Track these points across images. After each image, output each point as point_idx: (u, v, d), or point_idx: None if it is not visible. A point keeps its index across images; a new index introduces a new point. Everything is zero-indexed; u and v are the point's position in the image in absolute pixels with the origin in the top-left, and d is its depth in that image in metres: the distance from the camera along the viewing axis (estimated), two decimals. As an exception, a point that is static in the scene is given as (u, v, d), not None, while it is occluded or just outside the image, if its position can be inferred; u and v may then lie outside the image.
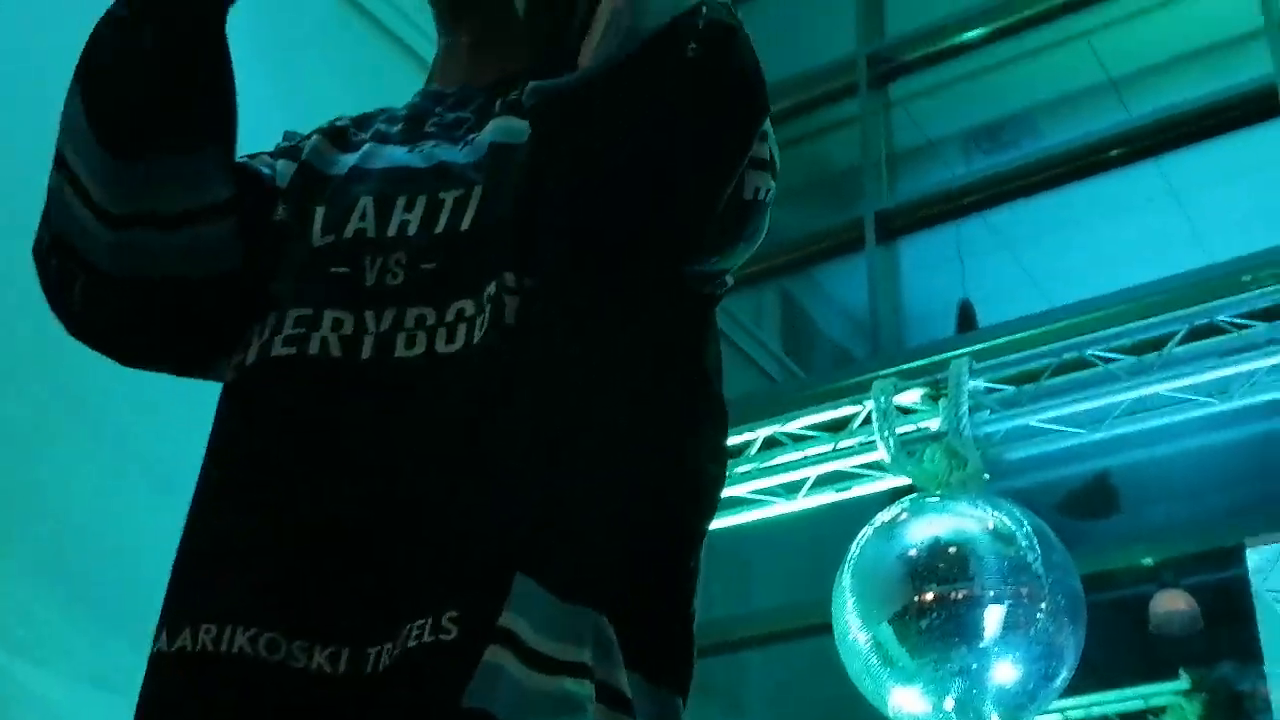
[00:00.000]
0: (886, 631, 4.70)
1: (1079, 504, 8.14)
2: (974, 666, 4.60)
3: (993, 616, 4.58)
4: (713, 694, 7.10)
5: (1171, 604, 7.01)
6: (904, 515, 4.87)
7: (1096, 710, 6.59)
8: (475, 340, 1.07)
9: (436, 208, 1.15)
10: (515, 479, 1.03)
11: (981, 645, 4.58)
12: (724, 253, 1.17)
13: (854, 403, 5.36)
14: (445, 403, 1.06)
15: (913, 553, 4.73)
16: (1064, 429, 5.13)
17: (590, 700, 0.97)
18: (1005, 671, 4.61)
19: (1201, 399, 4.93)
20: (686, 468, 1.17)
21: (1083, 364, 5.09)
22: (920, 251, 6.74)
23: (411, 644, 0.97)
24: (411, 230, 1.14)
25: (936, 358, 5.40)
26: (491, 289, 1.08)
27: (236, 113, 1.22)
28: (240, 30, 1.24)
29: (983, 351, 5.34)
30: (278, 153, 1.32)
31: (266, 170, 1.28)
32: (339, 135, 1.30)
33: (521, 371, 1.06)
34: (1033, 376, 5.15)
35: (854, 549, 4.90)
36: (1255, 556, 4.63)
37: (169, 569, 1.17)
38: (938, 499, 4.95)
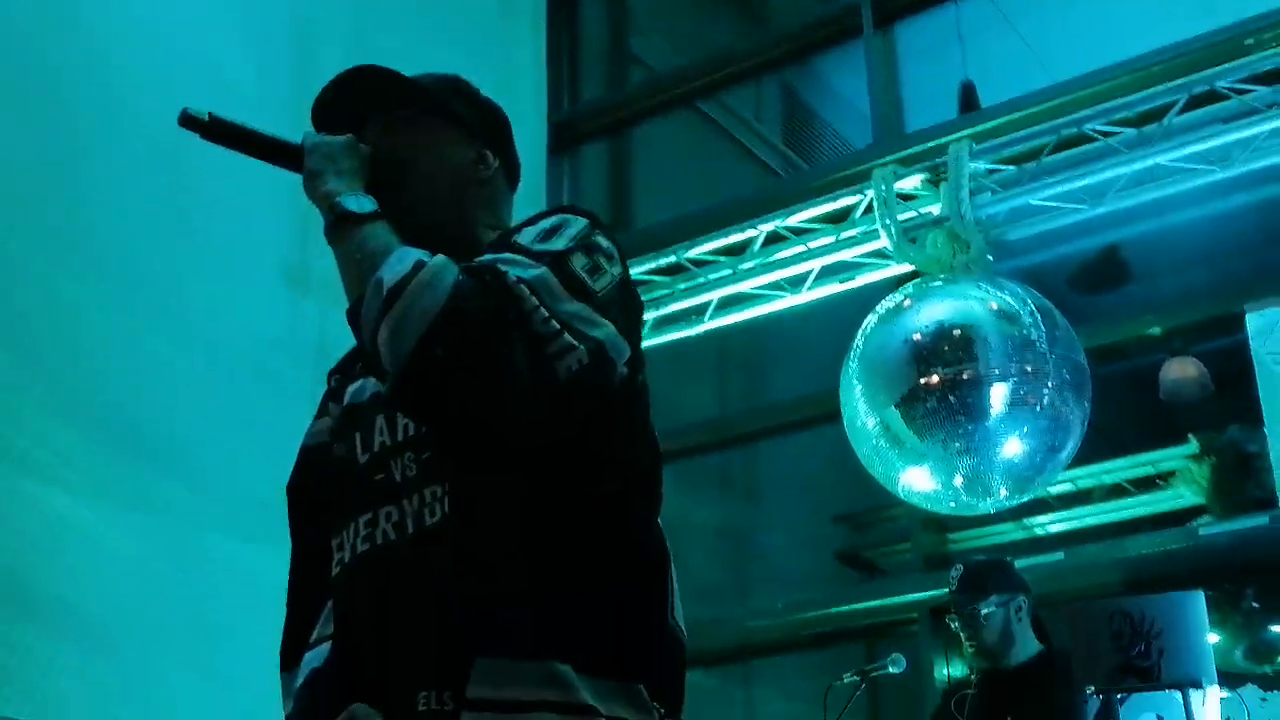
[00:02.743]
0: (894, 415, 4.78)
1: (1090, 278, 8.16)
2: (981, 444, 4.68)
3: (998, 394, 4.64)
4: (732, 484, 7.30)
5: (1181, 371, 7.06)
6: (908, 301, 4.91)
7: (1107, 478, 6.73)
8: (460, 507, 1.54)
9: None
10: (474, 587, 1.51)
11: (988, 423, 4.65)
12: (565, 415, 1.54)
13: (855, 193, 5.35)
14: (459, 548, 1.53)
15: (917, 337, 4.77)
16: (1065, 205, 5.13)
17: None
18: (1012, 447, 4.69)
19: (1202, 168, 4.91)
20: (605, 558, 1.59)
21: (1083, 139, 5.06)
22: (920, 35, 6.61)
23: (421, 708, 1.49)
24: (411, 430, 1.61)
25: (935, 142, 5.37)
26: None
27: None
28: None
29: (982, 133, 5.30)
30: (330, 397, 1.80)
31: (328, 438, 1.77)
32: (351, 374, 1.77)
33: (479, 523, 1.54)
34: (1033, 155, 5.12)
35: (859, 337, 4.96)
36: (1255, 320, 4.67)
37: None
38: (941, 283, 4.98)
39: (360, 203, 1.60)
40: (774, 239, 5.53)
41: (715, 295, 5.63)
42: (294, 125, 1.77)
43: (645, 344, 5.56)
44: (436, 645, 1.50)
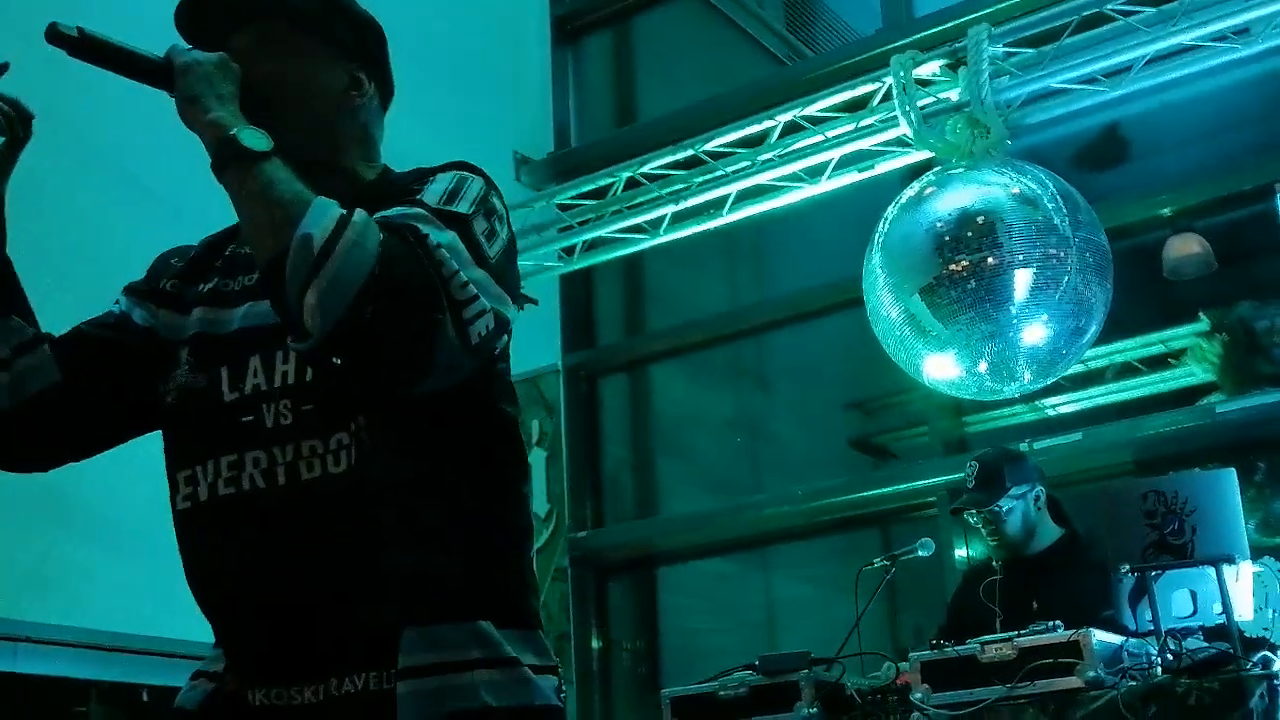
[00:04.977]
0: (918, 303, 4.79)
1: (1092, 156, 8.11)
2: (1005, 329, 4.70)
3: (1022, 280, 4.66)
4: (743, 374, 7.33)
5: (1185, 248, 7.05)
6: (930, 189, 4.89)
7: (1118, 358, 6.76)
8: (354, 462, 1.52)
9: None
10: (389, 562, 1.52)
11: (1012, 308, 4.67)
12: (467, 370, 1.53)
13: (872, 80, 5.29)
14: (339, 512, 1.52)
15: (940, 224, 4.76)
16: (1086, 87, 5.09)
17: (476, 679, 1.51)
18: (1035, 332, 4.72)
19: (1224, 45, 4.87)
20: (503, 519, 1.64)
21: (1102, 19, 5.01)
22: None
23: (342, 691, 1.51)
24: (291, 379, 1.57)
25: (953, 23, 5.32)
26: (353, 425, 1.53)
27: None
28: None
29: (999, 14, 5.25)
30: (158, 297, 1.73)
31: (139, 320, 1.73)
32: (218, 296, 1.67)
33: (380, 484, 1.52)
34: (1052, 36, 5.06)
35: (882, 225, 4.95)
36: (1285, 199, 4.65)
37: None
38: (962, 169, 4.95)
39: (256, 138, 1.50)
40: (791, 129, 5.48)
41: (735, 188, 5.59)
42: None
43: (666, 239, 5.54)
44: (355, 616, 1.51)
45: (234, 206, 1.51)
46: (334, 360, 1.44)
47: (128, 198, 4.50)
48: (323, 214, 1.42)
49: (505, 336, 1.58)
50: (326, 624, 1.52)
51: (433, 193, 1.55)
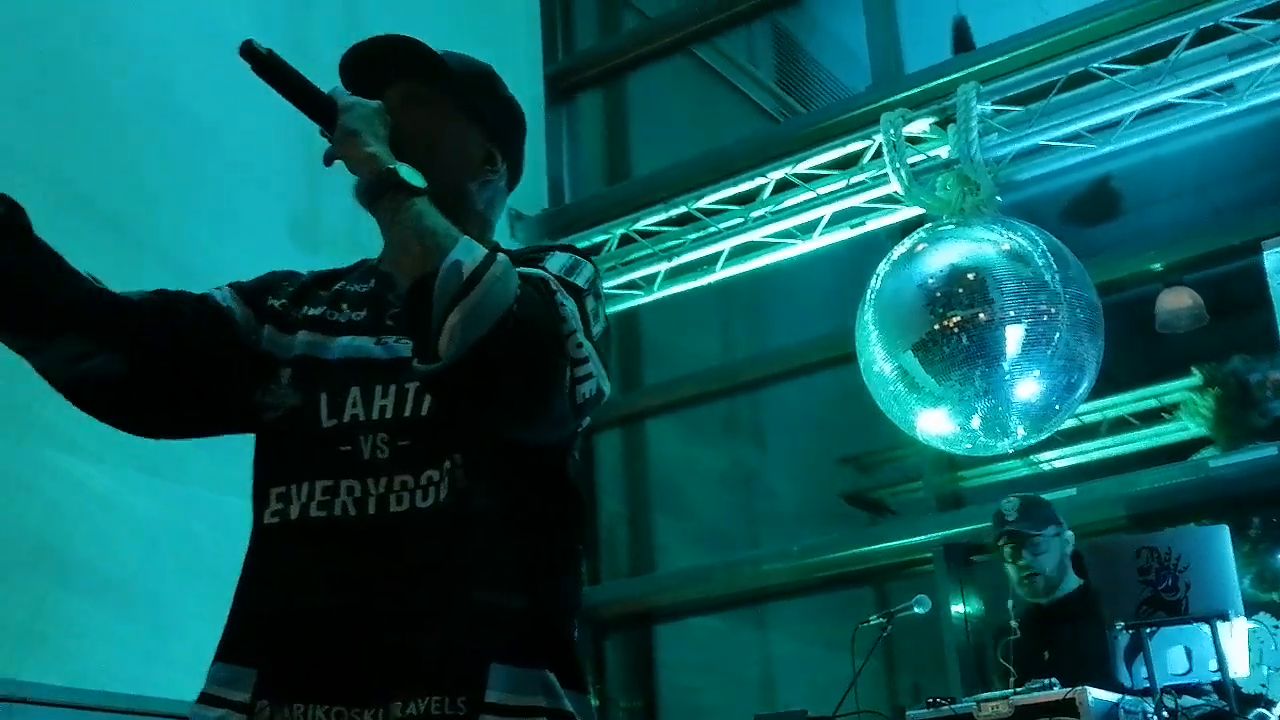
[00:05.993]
0: (910, 360, 4.81)
1: (1083, 210, 8.16)
2: (998, 385, 4.72)
3: (1013, 336, 4.68)
4: (738, 429, 7.34)
5: (1176, 301, 7.07)
6: (921, 245, 4.92)
7: (1111, 413, 6.78)
8: (442, 499, 1.59)
9: (403, 396, 1.65)
10: (473, 594, 1.57)
11: (1004, 364, 4.70)
12: (569, 430, 1.65)
13: (863, 137, 5.34)
14: (425, 545, 1.58)
15: (932, 281, 4.79)
16: (1074, 144, 5.14)
17: None
18: (1028, 387, 4.74)
19: (1209, 103, 4.92)
20: (567, 580, 1.69)
21: (1089, 77, 5.06)
22: (912, -29, 6.57)
23: (405, 714, 1.52)
24: (389, 414, 1.65)
25: (942, 80, 5.36)
26: (448, 463, 1.60)
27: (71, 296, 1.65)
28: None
29: (987, 72, 5.30)
30: (262, 310, 1.79)
31: (238, 319, 1.76)
32: (323, 324, 1.75)
33: (469, 520, 1.59)
34: (1040, 94, 5.11)
35: (874, 282, 4.97)
36: (1273, 258, 4.67)
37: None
38: (953, 226, 4.99)
39: (413, 174, 1.60)
40: (783, 186, 5.52)
41: (727, 245, 5.62)
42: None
43: (659, 295, 5.55)
44: (433, 642, 1.54)
45: (384, 233, 1.62)
46: (456, 389, 1.50)
47: (117, 241, 4.54)
48: (471, 248, 1.51)
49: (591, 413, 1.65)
50: (399, 646, 1.55)
51: (554, 264, 1.65)
